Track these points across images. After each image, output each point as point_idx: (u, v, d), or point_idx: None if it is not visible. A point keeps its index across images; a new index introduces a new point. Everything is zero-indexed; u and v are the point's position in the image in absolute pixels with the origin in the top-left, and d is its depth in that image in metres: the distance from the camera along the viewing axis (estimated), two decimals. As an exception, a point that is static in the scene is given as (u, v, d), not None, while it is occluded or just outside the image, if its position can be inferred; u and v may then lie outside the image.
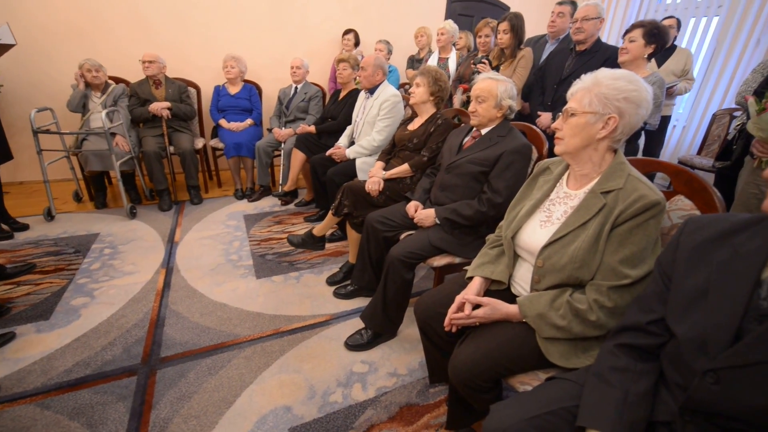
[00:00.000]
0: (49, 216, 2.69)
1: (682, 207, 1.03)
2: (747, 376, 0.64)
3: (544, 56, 2.72)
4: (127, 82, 3.16)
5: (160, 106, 2.97)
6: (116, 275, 2.12)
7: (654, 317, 0.81)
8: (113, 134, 2.82)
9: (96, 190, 3.00)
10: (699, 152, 3.70)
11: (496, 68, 2.54)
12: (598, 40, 2.25)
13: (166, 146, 3.03)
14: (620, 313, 0.91)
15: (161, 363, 1.55)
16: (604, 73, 0.98)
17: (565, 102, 2.40)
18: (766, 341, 0.62)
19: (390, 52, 3.62)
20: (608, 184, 0.96)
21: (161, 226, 2.71)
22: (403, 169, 2.04)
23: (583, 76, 1.02)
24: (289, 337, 1.73)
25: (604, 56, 2.17)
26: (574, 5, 2.64)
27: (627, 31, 1.94)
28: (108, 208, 2.97)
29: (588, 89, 0.98)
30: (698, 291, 0.74)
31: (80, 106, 2.82)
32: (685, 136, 4.05)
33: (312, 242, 2.27)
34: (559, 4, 2.65)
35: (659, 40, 1.86)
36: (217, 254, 2.39)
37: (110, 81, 3.03)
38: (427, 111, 2.10)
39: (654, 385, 0.78)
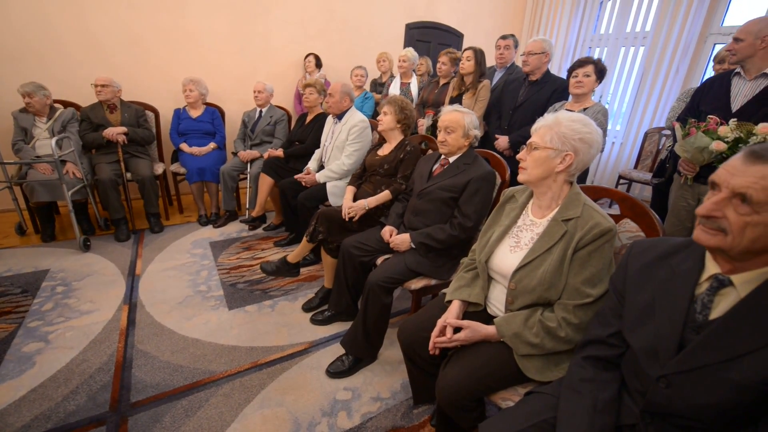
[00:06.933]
0: (-11, 253, 2.46)
1: (629, 229, 1.18)
2: (692, 379, 0.75)
3: (494, 82, 2.95)
4: (77, 106, 3.00)
5: (115, 132, 2.84)
6: (73, 315, 1.98)
7: (612, 330, 0.92)
8: (63, 162, 2.65)
9: (43, 221, 2.78)
10: (635, 166, 4.13)
11: (459, 96, 2.71)
12: (548, 72, 2.50)
13: (123, 173, 2.89)
14: (585, 328, 1.02)
15: (132, 409, 1.47)
16: (564, 114, 1.11)
17: (519, 126, 2.61)
18: (703, 349, 0.74)
19: (366, 76, 3.73)
20: (567, 212, 1.08)
21: (119, 258, 2.56)
22: (384, 196, 2.08)
23: (546, 114, 1.15)
24: (268, 369, 1.70)
25: (553, 87, 2.41)
26: (514, 38, 2.93)
27: (579, 66, 2.14)
28: (57, 240, 2.76)
29: (550, 127, 1.10)
30: (646, 306, 0.85)
31: (21, 133, 2.63)
32: (623, 151, 4.49)
33: (286, 269, 2.25)
34: (503, 38, 2.91)
35: (602, 76, 2.11)
36: (184, 286, 2.30)
37: (57, 105, 2.86)
38: (395, 137, 2.20)
39: (618, 392, 0.89)
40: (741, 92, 1.84)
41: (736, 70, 1.88)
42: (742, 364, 0.69)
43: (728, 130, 1.63)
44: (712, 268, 0.78)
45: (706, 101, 1.95)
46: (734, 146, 1.61)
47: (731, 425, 0.74)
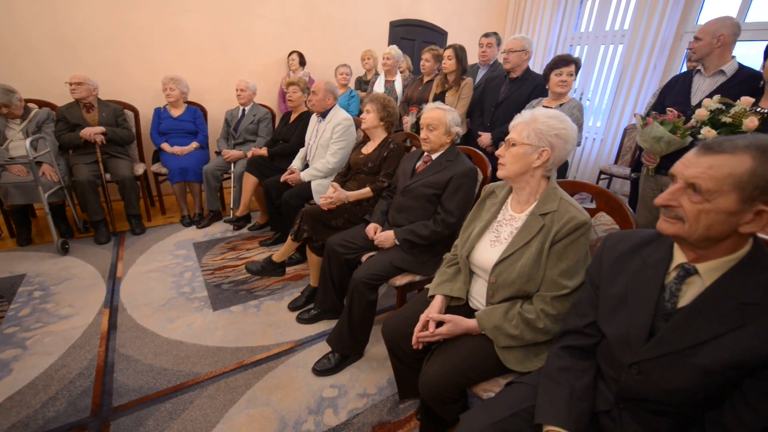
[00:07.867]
0: (-40, 258, 2.38)
1: (604, 222, 1.21)
2: (661, 365, 0.78)
3: (477, 79, 2.98)
4: (53, 106, 2.91)
5: (92, 132, 2.76)
6: (51, 320, 1.93)
7: (588, 321, 0.95)
8: (39, 163, 2.57)
9: (18, 225, 2.70)
10: (616, 161, 4.23)
11: (442, 94, 2.73)
12: (528, 69, 2.53)
13: (101, 174, 2.82)
14: (563, 319, 1.05)
15: (114, 413, 1.45)
16: (540, 111, 1.13)
17: (501, 122, 2.64)
18: (671, 336, 0.77)
19: (351, 74, 3.72)
20: (545, 207, 1.11)
21: (100, 261, 2.51)
22: (365, 192, 2.10)
23: (523, 111, 1.17)
24: (254, 369, 1.69)
25: (534, 84, 2.45)
26: (497, 36, 2.95)
27: (563, 64, 2.16)
28: (33, 244, 2.68)
29: (527, 123, 1.13)
30: (619, 297, 0.88)
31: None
32: (603, 147, 4.59)
33: (272, 269, 2.24)
34: (486, 36, 2.94)
35: (578, 72, 2.17)
36: (167, 288, 2.27)
37: (31, 105, 2.77)
38: (378, 135, 2.20)
39: (594, 379, 0.91)
40: (700, 88, 1.93)
41: (697, 68, 1.98)
42: (707, 350, 0.72)
43: (711, 102, 1.71)
44: (679, 257, 0.81)
45: (669, 97, 2.06)
46: (713, 118, 1.68)
47: (700, 408, 0.77)
